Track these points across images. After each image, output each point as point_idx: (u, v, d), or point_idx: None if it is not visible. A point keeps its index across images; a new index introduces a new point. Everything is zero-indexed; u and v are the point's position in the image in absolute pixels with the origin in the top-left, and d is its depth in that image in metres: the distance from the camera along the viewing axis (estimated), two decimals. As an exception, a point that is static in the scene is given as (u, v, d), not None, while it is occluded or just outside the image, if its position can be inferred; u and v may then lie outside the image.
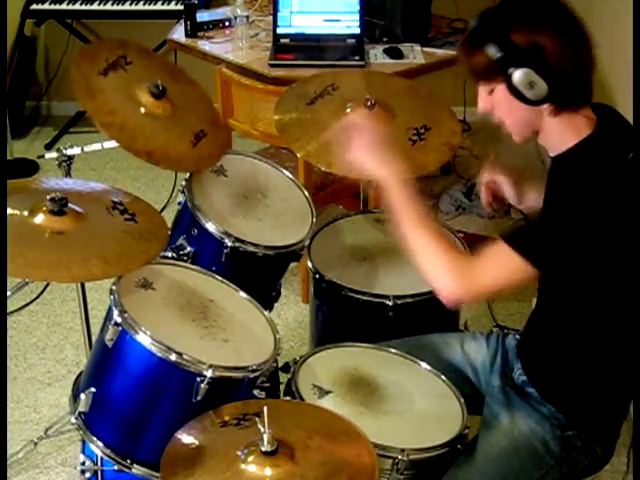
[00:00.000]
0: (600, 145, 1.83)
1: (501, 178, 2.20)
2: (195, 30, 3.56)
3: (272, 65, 3.29)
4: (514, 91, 1.78)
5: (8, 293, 2.64)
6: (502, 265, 1.81)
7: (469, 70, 1.85)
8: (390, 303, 2.31)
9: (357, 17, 3.40)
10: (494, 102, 1.86)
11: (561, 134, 1.85)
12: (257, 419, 1.68)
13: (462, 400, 2.08)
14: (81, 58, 2.33)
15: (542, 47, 1.75)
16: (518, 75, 1.76)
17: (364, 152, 2.04)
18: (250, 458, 1.67)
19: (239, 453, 1.69)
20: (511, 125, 1.88)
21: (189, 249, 2.36)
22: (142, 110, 2.34)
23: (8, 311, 3.35)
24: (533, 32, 1.75)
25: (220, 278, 2.24)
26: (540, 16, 1.78)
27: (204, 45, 3.52)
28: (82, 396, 2.01)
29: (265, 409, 1.67)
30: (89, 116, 2.26)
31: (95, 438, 2.01)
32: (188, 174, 2.40)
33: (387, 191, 1.96)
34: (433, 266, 1.88)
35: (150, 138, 2.31)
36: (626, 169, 1.81)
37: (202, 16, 3.65)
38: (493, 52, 1.77)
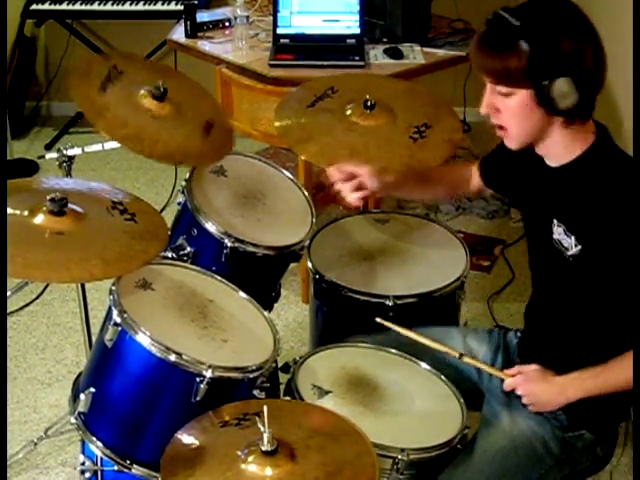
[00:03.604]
0: (609, 149, 1.86)
1: (364, 170, 2.17)
2: (195, 30, 3.56)
3: (272, 65, 3.29)
4: (543, 99, 1.74)
5: (8, 293, 2.64)
6: None
7: (490, 70, 1.77)
8: (390, 303, 2.31)
9: (357, 17, 3.39)
10: (506, 106, 1.80)
11: (568, 145, 1.85)
12: (257, 419, 1.68)
13: (462, 400, 2.08)
14: (76, 80, 2.32)
15: (584, 58, 1.73)
16: (558, 83, 1.72)
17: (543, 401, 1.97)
18: (250, 458, 1.67)
19: (239, 453, 1.69)
20: (517, 132, 1.84)
21: (189, 249, 2.36)
22: (150, 115, 2.34)
23: (8, 311, 3.35)
24: (579, 42, 1.73)
25: (220, 278, 2.24)
26: (583, 28, 1.76)
27: (204, 45, 3.52)
28: (82, 396, 2.01)
29: (265, 409, 1.67)
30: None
31: (95, 438, 2.01)
32: (188, 174, 2.41)
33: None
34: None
35: (168, 140, 2.31)
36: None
37: (202, 16, 3.65)
38: (536, 56, 1.70)
